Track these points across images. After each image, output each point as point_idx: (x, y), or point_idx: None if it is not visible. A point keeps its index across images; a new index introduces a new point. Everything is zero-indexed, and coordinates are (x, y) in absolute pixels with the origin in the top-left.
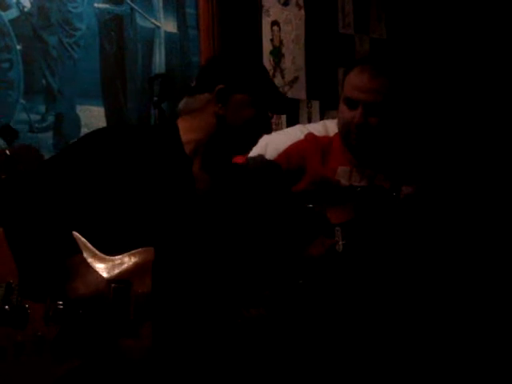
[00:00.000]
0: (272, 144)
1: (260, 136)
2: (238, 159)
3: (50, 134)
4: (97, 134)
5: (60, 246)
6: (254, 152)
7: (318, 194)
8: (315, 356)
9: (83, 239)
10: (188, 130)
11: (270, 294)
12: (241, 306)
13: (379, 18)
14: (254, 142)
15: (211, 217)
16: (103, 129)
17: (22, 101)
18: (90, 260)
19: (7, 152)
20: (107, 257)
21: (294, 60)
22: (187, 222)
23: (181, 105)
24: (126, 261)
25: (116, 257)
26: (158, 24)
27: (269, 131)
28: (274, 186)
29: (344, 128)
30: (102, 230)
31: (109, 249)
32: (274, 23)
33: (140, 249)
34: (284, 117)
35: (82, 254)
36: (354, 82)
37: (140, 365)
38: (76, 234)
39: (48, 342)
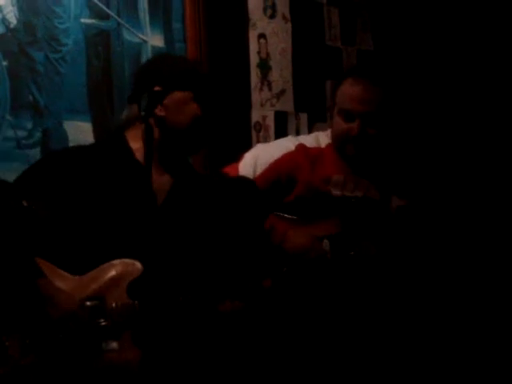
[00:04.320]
0: (262, 156)
1: (208, 132)
2: (229, 170)
3: (37, 150)
4: (48, 157)
5: (22, 272)
6: (245, 162)
7: (310, 204)
8: (301, 357)
9: (49, 264)
10: (135, 139)
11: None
12: (216, 301)
13: (366, 30)
14: (203, 140)
15: (172, 220)
16: (53, 152)
17: (8, 117)
18: (57, 282)
19: (24, 203)
20: (76, 277)
21: (281, 72)
22: (148, 229)
23: (123, 116)
24: (96, 276)
25: (85, 275)
26: (145, 38)
27: (244, 142)
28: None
29: (340, 140)
30: (67, 251)
31: (76, 268)
32: (261, 36)
33: (107, 263)
34: (272, 130)
35: (46, 277)
36: (349, 93)
37: (126, 376)
38: (40, 259)
39: (31, 370)
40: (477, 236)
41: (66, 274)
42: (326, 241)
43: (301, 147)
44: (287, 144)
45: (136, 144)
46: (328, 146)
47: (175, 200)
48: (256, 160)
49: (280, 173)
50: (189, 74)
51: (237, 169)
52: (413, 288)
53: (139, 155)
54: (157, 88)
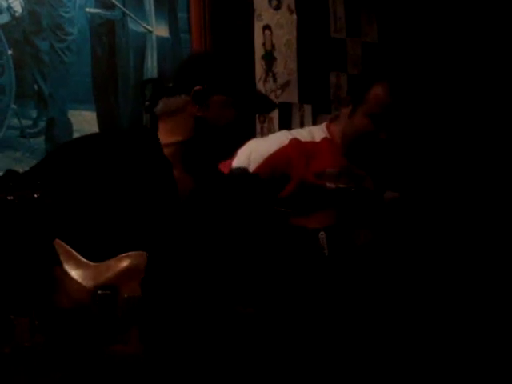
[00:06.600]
0: (257, 151)
1: (239, 137)
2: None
3: (41, 139)
4: (74, 142)
5: (39, 258)
6: (239, 159)
7: (304, 198)
8: (307, 357)
9: (67, 247)
10: (167, 133)
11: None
12: (229, 304)
13: (371, 22)
14: (235, 144)
15: (194, 219)
16: (81, 137)
17: (13, 106)
18: (72, 269)
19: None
20: (92, 263)
21: (286, 64)
22: (170, 226)
23: (158, 107)
24: (112, 266)
25: (101, 263)
26: (150, 28)
27: (248, 133)
28: (254, 195)
29: (359, 139)
30: (87, 237)
31: (94, 255)
32: (266, 27)
33: (125, 254)
34: (276, 121)
35: (62, 265)
36: (384, 101)
37: (130, 370)
38: (59, 241)
39: (36, 352)
40: (467, 229)
41: (82, 259)
42: (322, 233)
43: (294, 142)
44: (281, 139)
45: (166, 139)
46: (323, 140)
47: (197, 200)
48: (249, 156)
49: (274, 168)
50: (233, 79)
51: (231, 166)
52: (405, 278)
53: (167, 151)
54: (198, 88)
